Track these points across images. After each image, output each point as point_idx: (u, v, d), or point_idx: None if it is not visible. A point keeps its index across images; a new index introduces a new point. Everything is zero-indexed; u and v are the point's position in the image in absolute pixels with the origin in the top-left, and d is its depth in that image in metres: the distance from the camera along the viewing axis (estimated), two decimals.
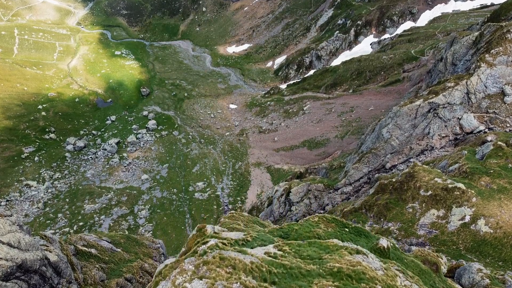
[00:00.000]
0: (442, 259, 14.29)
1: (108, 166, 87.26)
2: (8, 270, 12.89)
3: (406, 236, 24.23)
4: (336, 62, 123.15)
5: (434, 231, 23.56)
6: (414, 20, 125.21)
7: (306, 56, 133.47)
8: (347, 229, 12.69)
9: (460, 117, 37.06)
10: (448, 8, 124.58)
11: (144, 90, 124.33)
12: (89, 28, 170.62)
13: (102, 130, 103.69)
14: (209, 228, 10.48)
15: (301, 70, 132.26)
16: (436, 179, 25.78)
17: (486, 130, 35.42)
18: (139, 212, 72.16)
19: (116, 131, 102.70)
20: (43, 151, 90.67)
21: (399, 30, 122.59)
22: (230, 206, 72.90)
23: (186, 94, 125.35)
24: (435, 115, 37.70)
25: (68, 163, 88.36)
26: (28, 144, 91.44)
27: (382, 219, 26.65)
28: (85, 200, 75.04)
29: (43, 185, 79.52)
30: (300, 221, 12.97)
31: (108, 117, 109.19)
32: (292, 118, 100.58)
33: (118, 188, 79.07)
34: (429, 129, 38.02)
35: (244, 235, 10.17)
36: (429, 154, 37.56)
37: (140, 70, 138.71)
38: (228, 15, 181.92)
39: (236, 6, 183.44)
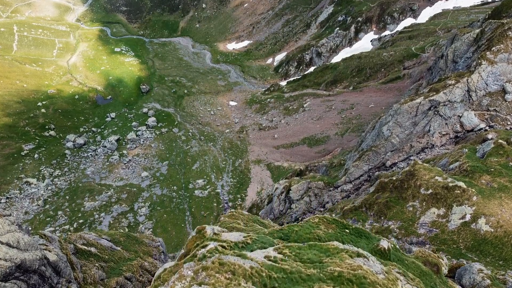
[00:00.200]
0: (443, 259, 14.24)
1: (108, 163, 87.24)
2: (7, 270, 12.81)
3: (406, 235, 24.19)
4: (337, 59, 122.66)
5: (434, 230, 23.51)
6: (415, 17, 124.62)
7: (306, 53, 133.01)
8: (347, 230, 12.63)
9: (460, 114, 36.94)
10: (449, 4, 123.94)
11: (144, 87, 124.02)
12: (89, 24, 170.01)
13: (102, 127, 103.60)
14: (208, 230, 10.40)
15: (301, 67, 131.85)
16: (436, 177, 25.69)
17: (487, 128, 35.31)
18: (139, 210, 72.21)
19: (116, 128, 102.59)
20: (43, 148, 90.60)
21: (400, 27, 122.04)
22: (230, 204, 72.88)
23: (186, 91, 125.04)
24: (436, 112, 37.58)
25: (68, 160, 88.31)
26: (28, 141, 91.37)
27: (382, 218, 26.60)
28: (85, 198, 75.06)
29: (43, 182, 79.53)
30: (300, 222, 12.89)
31: (108, 114, 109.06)
32: (292, 115, 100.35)
33: (118, 186, 79.06)
34: (429, 127, 37.91)
35: (244, 237, 10.10)
36: (429, 152, 37.47)
37: (140, 67, 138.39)
38: (228, 11, 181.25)
39: (236, 3, 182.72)
